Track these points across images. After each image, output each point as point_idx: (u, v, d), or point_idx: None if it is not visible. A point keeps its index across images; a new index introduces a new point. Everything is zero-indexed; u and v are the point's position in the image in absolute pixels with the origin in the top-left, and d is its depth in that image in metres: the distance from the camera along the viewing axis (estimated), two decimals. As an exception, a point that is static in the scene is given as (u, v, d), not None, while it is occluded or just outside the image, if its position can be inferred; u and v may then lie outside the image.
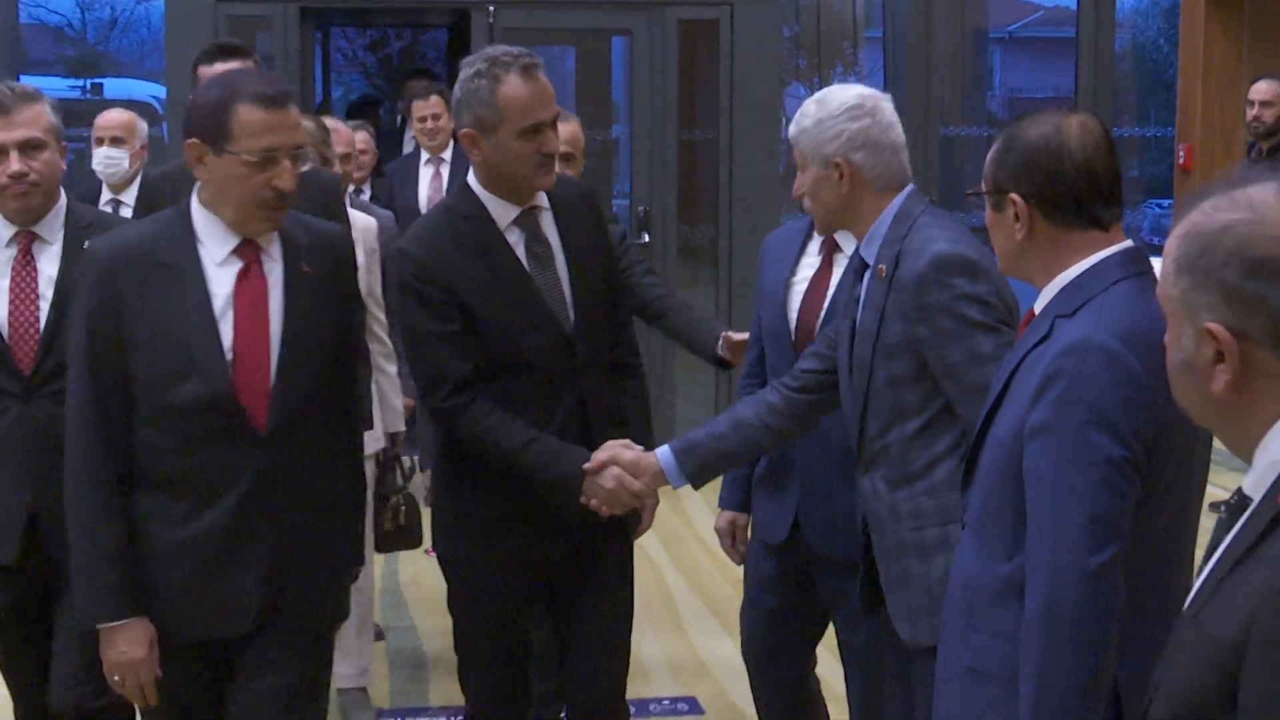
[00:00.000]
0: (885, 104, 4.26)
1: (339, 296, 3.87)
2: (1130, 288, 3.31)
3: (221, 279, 3.62)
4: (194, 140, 3.58)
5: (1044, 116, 3.54)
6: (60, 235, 4.07)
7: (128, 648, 3.58)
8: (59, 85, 19.43)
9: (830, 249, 4.75)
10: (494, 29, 10.72)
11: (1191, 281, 2.29)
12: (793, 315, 4.60)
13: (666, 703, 5.56)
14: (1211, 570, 2.21)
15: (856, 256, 4.10)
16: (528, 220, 4.11)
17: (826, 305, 4.66)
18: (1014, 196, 3.37)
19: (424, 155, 8.76)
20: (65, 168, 4.21)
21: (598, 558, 4.29)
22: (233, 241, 3.64)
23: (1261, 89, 9.21)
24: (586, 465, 4.05)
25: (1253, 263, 2.21)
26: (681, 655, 5.97)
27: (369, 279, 5.51)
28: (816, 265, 4.66)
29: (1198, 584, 2.28)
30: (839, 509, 4.33)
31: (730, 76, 10.84)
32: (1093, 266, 3.33)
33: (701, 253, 11.12)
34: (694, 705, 5.60)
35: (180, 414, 3.59)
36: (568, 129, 5.11)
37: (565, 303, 4.15)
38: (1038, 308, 3.42)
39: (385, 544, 5.95)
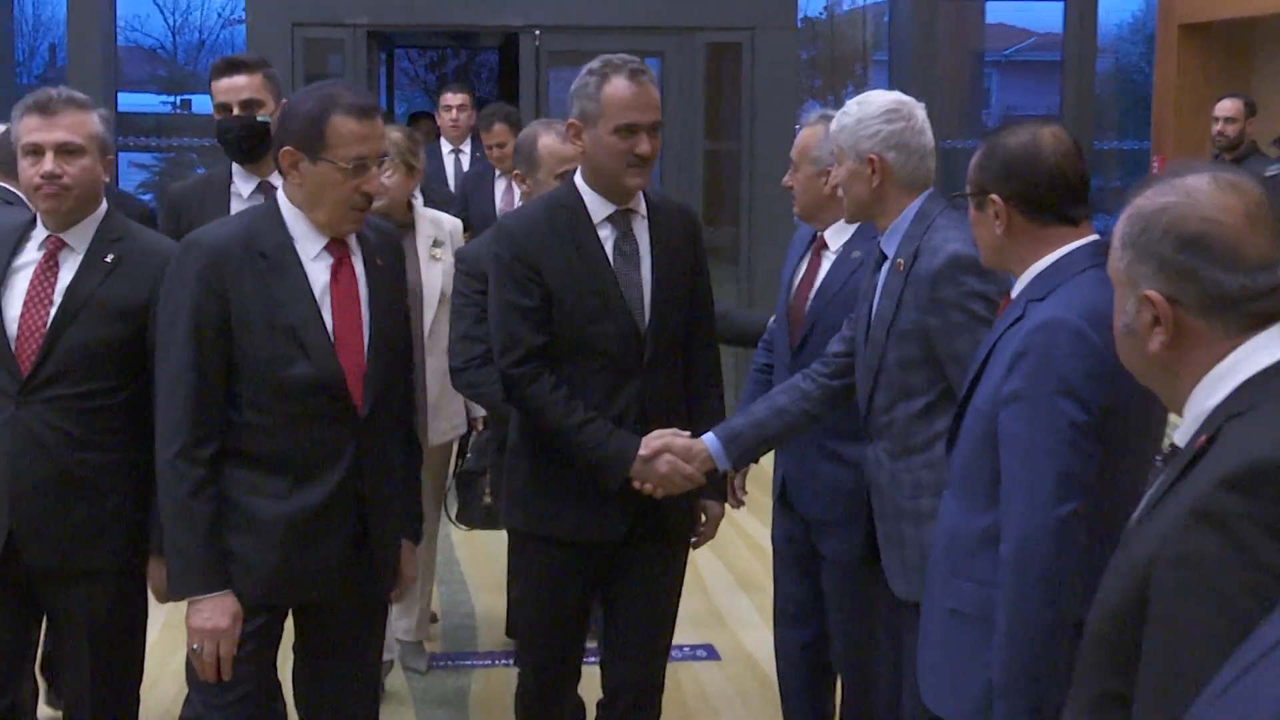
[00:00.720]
0: (919, 111, 4.25)
1: (403, 287, 3.90)
2: (1095, 275, 3.31)
3: (317, 272, 3.58)
4: (289, 148, 3.54)
5: (1022, 127, 3.60)
6: (86, 245, 3.82)
7: (213, 617, 3.49)
8: (153, 101, 19.36)
9: (819, 247, 4.78)
10: (540, 51, 10.84)
11: (1134, 255, 2.37)
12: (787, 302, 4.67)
13: (686, 649, 5.41)
14: (1142, 508, 2.30)
15: (877, 248, 4.06)
16: (621, 220, 4.04)
17: (814, 292, 4.71)
18: (994, 196, 3.41)
19: (497, 171, 8.20)
20: (107, 179, 3.95)
21: (654, 553, 4.21)
22: (323, 240, 3.60)
23: (1225, 107, 9.31)
24: (642, 451, 3.96)
25: (1184, 238, 2.29)
26: (700, 608, 5.83)
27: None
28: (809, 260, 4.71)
29: (1131, 521, 2.36)
30: (814, 473, 4.40)
31: (752, 94, 10.87)
32: (1063, 257, 3.39)
33: (724, 252, 11.00)
34: (711, 652, 5.52)
35: (289, 395, 3.54)
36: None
37: (643, 302, 4.05)
38: (1014, 293, 3.50)
39: (477, 522, 5.83)
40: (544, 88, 10.78)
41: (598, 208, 3.99)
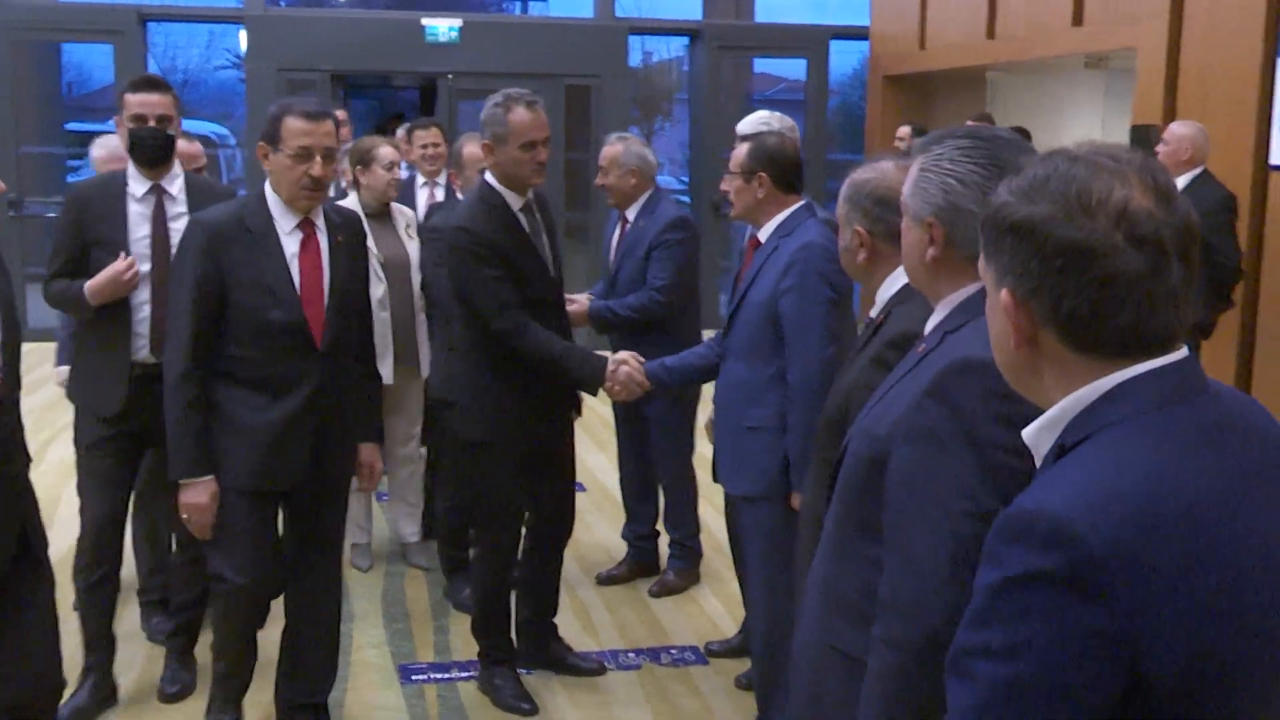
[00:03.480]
0: (793, 130, 4.37)
1: (360, 259, 3.75)
2: (814, 223, 3.58)
3: (290, 243, 3.49)
4: (261, 143, 3.46)
5: (769, 133, 3.86)
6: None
7: (196, 496, 3.44)
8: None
9: (623, 221, 5.04)
10: (452, 89, 10.99)
11: (849, 206, 2.53)
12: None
13: (675, 652, 4.63)
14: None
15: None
16: (527, 207, 3.98)
17: (619, 251, 4.99)
18: (761, 174, 3.58)
19: (420, 179, 6.60)
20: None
21: (561, 440, 4.22)
22: (295, 218, 3.50)
23: (901, 131, 9.27)
24: (610, 367, 3.91)
25: (876, 197, 2.48)
26: (691, 612, 4.98)
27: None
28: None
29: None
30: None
31: (597, 120, 11.01)
32: (791, 214, 3.61)
33: (579, 230, 11.12)
34: (699, 655, 4.59)
35: (267, 334, 3.45)
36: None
37: (549, 261, 4.04)
38: (762, 236, 3.65)
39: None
40: (455, 114, 10.93)
41: (514, 200, 3.92)
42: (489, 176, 3.94)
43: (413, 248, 5.23)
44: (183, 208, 3.93)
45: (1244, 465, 1.32)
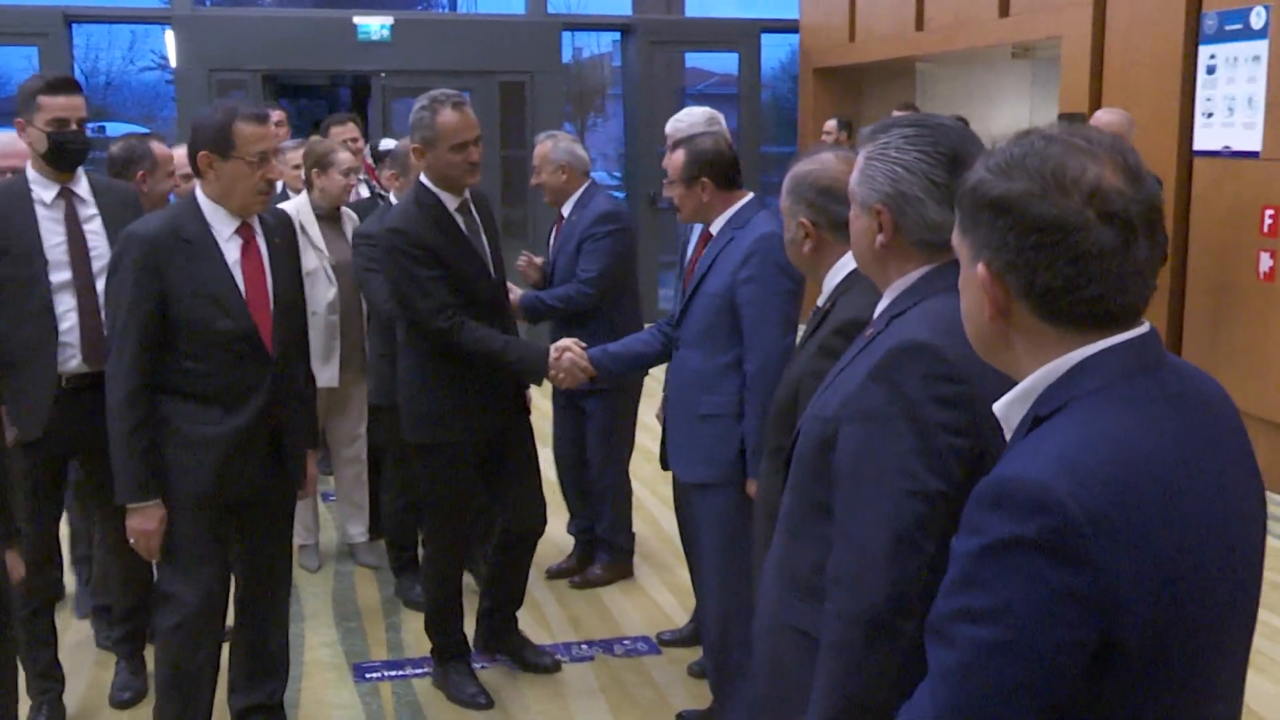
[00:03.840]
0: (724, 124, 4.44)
1: (296, 259, 3.66)
2: (764, 215, 3.62)
3: (230, 250, 3.38)
4: (205, 153, 3.33)
5: (704, 135, 3.79)
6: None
7: (146, 522, 3.33)
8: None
9: (559, 218, 5.05)
10: (385, 88, 10.94)
11: (793, 198, 2.55)
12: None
13: (627, 643, 4.66)
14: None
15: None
16: (464, 208, 3.94)
17: (556, 247, 5.03)
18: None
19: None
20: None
21: (517, 437, 4.15)
22: (234, 223, 3.40)
23: (829, 125, 9.56)
24: (551, 355, 3.90)
25: (820, 188, 2.50)
26: (643, 602, 5.00)
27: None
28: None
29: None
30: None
31: (531, 117, 10.99)
32: (740, 209, 3.65)
33: (515, 225, 11.07)
34: (651, 645, 4.63)
35: (218, 345, 3.35)
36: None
37: (488, 261, 3.99)
38: (714, 229, 3.68)
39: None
40: (389, 113, 10.90)
41: (449, 201, 3.88)
42: (423, 178, 3.91)
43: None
44: (93, 209, 3.84)
45: (1201, 432, 1.39)
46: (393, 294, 3.98)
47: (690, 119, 4.50)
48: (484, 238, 4.02)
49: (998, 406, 1.49)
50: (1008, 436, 1.48)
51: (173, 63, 10.99)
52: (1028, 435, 1.39)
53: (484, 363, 3.89)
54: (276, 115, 6.81)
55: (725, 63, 15.01)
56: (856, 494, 1.84)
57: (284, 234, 3.60)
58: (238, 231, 3.42)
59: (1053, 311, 1.38)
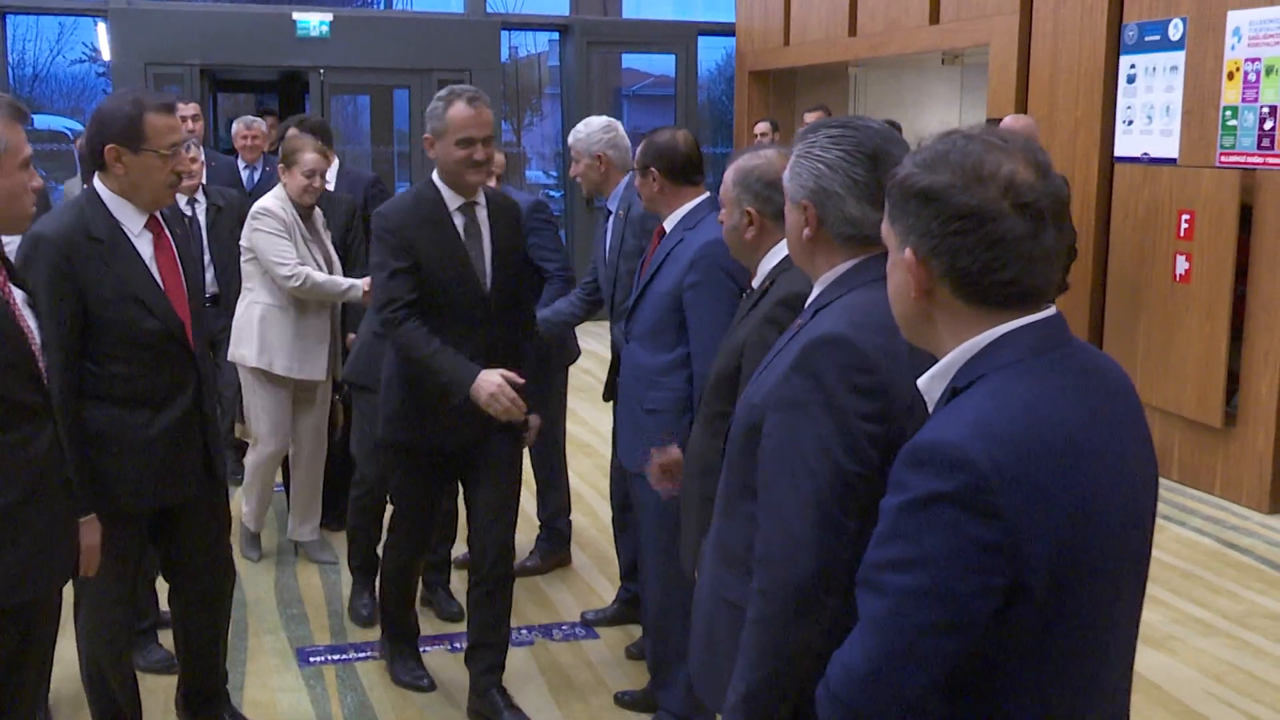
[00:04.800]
0: (621, 127, 4.48)
1: (195, 248, 3.51)
2: (711, 215, 3.60)
3: (143, 246, 3.25)
4: (113, 145, 3.15)
5: (664, 130, 3.86)
6: None
7: (91, 536, 3.09)
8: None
9: (658, 234, 4.69)
10: (324, 84, 10.93)
11: (740, 190, 2.67)
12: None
13: (565, 628, 4.73)
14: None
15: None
16: (468, 208, 3.77)
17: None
18: (652, 169, 3.71)
19: (242, 162, 7.42)
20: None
21: (494, 451, 3.92)
22: (142, 218, 3.25)
23: (761, 127, 9.58)
24: (479, 380, 3.62)
25: (766, 181, 2.61)
26: (580, 590, 5.06)
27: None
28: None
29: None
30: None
31: None
32: (695, 207, 3.72)
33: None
34: (589, 630, 4.71)
35: (144, 345, 3.23)
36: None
37: (486, 272, 3.79)
38: (667, 226, 3.76)
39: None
40: (327, 109, 10.87)
41: (451, 198, 3.74)
42: (435, 173, 3.81)
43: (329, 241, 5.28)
44: None
45: (1103, 405, 1.54)
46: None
47: (588, 129, 4.56)
48: (486, 245, 3.83)
49: (921, 381, 1.63)
50: (930, 409, 1.62)
51: (105, 55, 10.88)
52: (948, 405, 1.54)
53: (413, 367, 3.74)
54: (191, 109, 6.76)
55: (661, 64, 15.12)
56: (779, 475, 1.94)
57: (179, 225, 3.47)
58: (147, 225, 3.28)
59: (971, 292, 1.53)
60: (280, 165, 5.09)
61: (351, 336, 5.32)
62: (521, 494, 4.07)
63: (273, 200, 5.03)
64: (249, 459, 5.32)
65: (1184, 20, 6.75)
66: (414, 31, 11.37)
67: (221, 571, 3.68)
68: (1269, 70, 6.23)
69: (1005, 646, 1.46)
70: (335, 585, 5.18)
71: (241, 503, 5.45)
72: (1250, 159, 6.38)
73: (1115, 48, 7.30)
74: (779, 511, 1.93)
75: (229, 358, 5.23)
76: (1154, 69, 6.98)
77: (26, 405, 2.66)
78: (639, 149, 3.85)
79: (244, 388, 5.21)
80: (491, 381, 3.62)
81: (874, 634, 1.48)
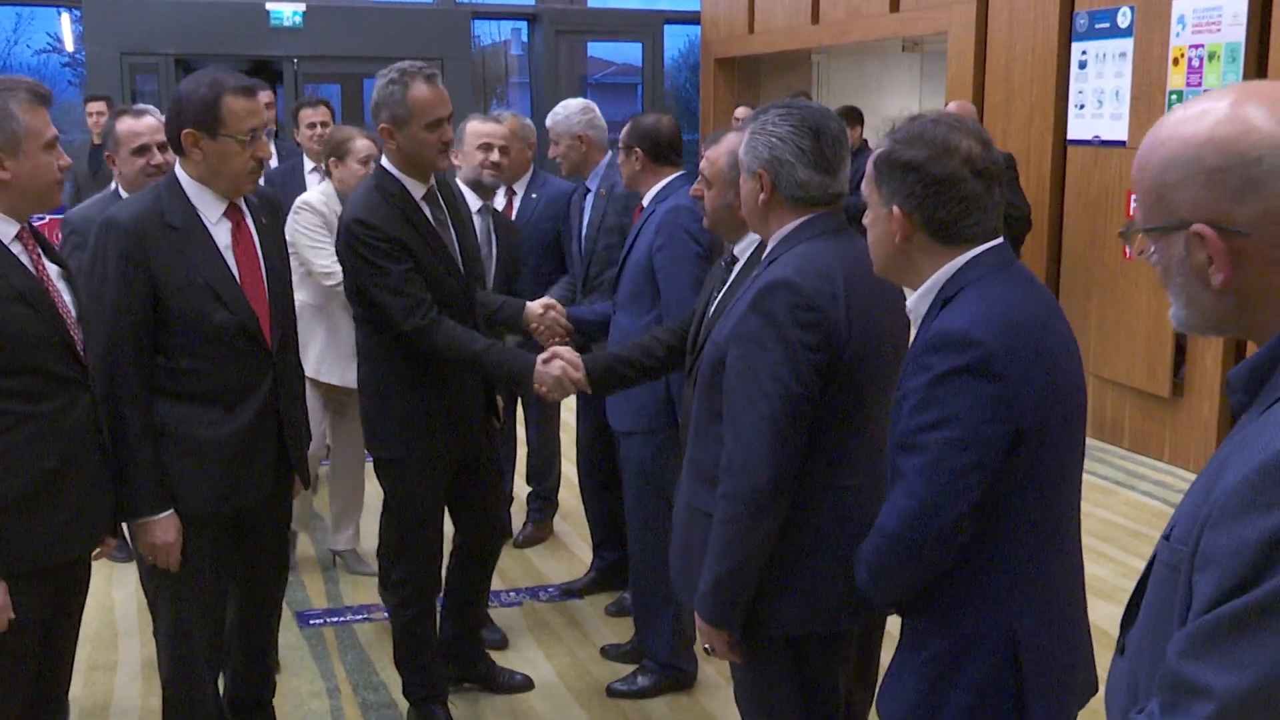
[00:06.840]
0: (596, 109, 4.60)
1: (284, 242, 3.38)
2: (684, 192, 3.80)
3: (220, 235, 3.08)
4: (190, 130, 3.00)
5: (643, 116, 4.03)
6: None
7: (161, 534, 3.03)
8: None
9: (639, 211, 4.40)
10: (298, 73, 11.05)
11: (728, 160, 2.81)
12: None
13: (552, 590, 4.87)
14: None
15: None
16: (431, 195, 3.54)
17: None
18: (636, 149, 3.91)
19: (308, 163, 6.19)
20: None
21: (486, 451, 3.81)
22: (222, 205, 3.09)
23: (740, 112, 9.54)
24: (541, 358, 3.46)
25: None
26: (564, 557, 5.16)
27: None
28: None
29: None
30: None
31: None
32: (667, 184, 3.92)
33: None
34: (575, 593, 4.88)
35: (215, 340, 3.04)
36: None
37: (457, 256, 3.59)
38: (645, 202, 3.93)
39: None
40: (302, 98, 10.92)
41: (415, 189, 3.49)
42: (385, 163, 3.52)
43: None
44: None
45: (1047, 299, 2.05)
46: (352, 292, 3.54)
47: (566, 111, 4.65)
48: (452, 231, 3.64)
49: (910, 303, 2.07)
50: (914, 327, 2.06)
51: (68, 45, 10.93)
52: (942, 310, 1.98)
53: (461, 368, 3.53)
54: (266, 97, 6.21)
55: (626, 52, 15.23)
56: (740, 400, 2.28)
57: (270, 214, 3.31)
58: (226, 214, 3.12)
59: (945, 236, 2.02)
60: (330, 159, 4.85)
61: None
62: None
63: (317, 195, 4.84)
64: None
65: (1132, 9, 7.04)
66: (386, 20, 11.50)
67: (282, 578, 3.58)
68: (1211, 56, 6.53)
69: (1008, 478, 1.92)
70: (329, 554, 5.34)
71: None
72: (1195, 141, 6.64)
73: (1067, 35, 7.58)
74: (740, 429, 2.27)
75: None
76: (1104, 55, 7.27)
77: (62, 377, 2.74)
78: (625, 129, 4.00)
79: None
80: (556, 365, 3.45)
81: (920, 481, 1.92)
